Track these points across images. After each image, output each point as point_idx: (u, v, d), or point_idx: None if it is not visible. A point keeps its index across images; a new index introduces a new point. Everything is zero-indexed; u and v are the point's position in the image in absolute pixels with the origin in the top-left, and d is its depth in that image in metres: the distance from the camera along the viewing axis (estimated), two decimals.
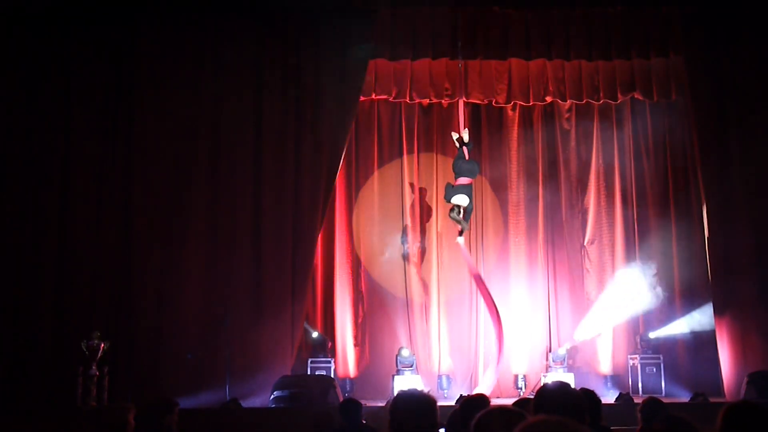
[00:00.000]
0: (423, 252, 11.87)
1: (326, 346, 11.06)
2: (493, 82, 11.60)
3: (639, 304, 11.31)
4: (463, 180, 10.01)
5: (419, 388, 5.96)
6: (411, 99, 11.63)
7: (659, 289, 11.22)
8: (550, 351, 11.42)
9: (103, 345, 9.21)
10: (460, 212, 9.87)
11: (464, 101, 11.13)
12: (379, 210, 11.94)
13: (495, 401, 8.28)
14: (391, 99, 11.65)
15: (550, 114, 12.21)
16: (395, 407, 2.96)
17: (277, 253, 10.27)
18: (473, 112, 12.06)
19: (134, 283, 10.07)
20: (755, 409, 2.74)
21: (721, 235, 10.33)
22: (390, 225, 11.90)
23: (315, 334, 11.06)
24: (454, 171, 10.20)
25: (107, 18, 10.35)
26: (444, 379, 11.15)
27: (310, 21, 10.57)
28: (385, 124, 12.13)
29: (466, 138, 10.24)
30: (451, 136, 10.62)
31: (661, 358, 10.94)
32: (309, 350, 11.01)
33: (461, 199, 9.88)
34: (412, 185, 12.02)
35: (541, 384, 10.34)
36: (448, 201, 10.01)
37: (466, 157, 10.14)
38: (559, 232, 11.91)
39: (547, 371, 11.09)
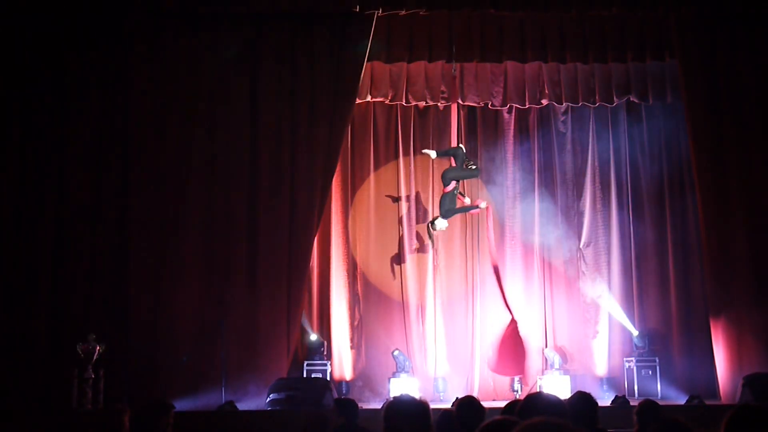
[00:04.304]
0: (419, 254, 11.87)
1: (322, 349, 11.06)
2: (488, 84, 11.61)
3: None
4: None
5: (412, 394, 5.97)
6: (407, 101, 11.63)
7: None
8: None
9: (98, 347, 9.20)
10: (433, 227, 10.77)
11: (459, 104, 11.23)
12: (375, 212, 11.94)
13: (491, 403, 8.30)
14: (387, 101, 11.66)
15: (546, 116, 12.22)
16: (389, 413, 3.00)
17: (273, 255, 10.27)
18: (469, 114, 12.08)
19: (130, 286, 10.05)
20: (762, 413, 2.72)
21: (716, 237, 10.34)
22: (386, 227, 11.90)
23: (313, 337, 11.05)
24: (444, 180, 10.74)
25: (102, 18, 10.35)
26: (440, 381, 11.15)
27: (306, 23, 10.57)
28: (381, 127, 12.13)
29: (433, 155, 11.10)
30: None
31: (657, 360, 10.95)
32: (305, 352, 11.01)
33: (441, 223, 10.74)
34: (408, 188, 12.02)
35: (537, 386, 10.41)
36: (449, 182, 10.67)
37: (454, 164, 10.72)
38: (555, 235, 11.91)
39: (542, 373, 11.10)
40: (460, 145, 10.98)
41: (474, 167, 10.87)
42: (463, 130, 11.80)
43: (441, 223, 10.72)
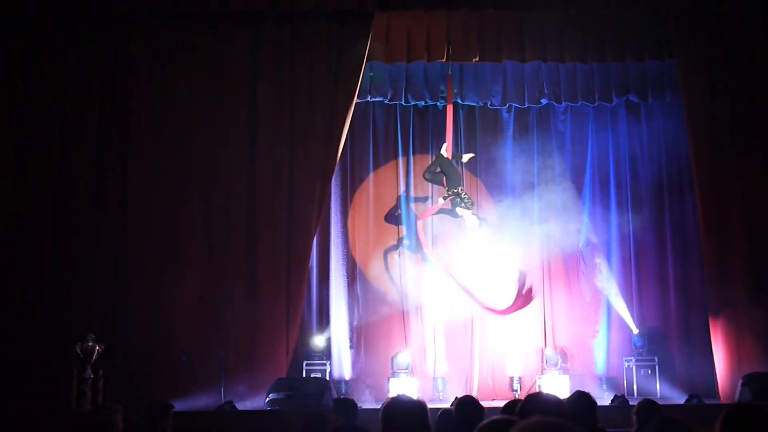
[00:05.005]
0: (418, 254, 11.86)
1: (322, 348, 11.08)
2: (488, 84, 11.62)
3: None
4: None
5: (411, 393, 6.01)
6: (406, 101, 11.64)
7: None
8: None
9: (97, 347, 9.20)
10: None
11: (458, 104, 11.27)
12: (375, 212, 11.95)
13: (490, 403, 8.31)
14: (386, 101, 11.66)
15: (545, 116, 12.23)
16: (387, 413, 3.01)
17: (272, 255, 10.25)
18: (468, 114, 12.08)
19: (130, 286, 10.05)
20: (756, 411, 2.73)
21: (715, 236, 10.33)
22: (386, 227, 11.90)
23: (319, 341, 11.07)
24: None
25: (101, 19, 10.34)
26: (440, 381, 11.15)
27: (306, 23, 10.56)
28: (380, 127, 12.13)
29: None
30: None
31: (656, 360, 10.96)
32: (304, 352, 11.02)
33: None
34: (407, 187, 12.02)
35: (537, 386, 10.41)
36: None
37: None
38: (554, 234, 11.90)
39: (542, 373, 11.11)
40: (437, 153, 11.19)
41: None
42: (462, 130, 11.81)
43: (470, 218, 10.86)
